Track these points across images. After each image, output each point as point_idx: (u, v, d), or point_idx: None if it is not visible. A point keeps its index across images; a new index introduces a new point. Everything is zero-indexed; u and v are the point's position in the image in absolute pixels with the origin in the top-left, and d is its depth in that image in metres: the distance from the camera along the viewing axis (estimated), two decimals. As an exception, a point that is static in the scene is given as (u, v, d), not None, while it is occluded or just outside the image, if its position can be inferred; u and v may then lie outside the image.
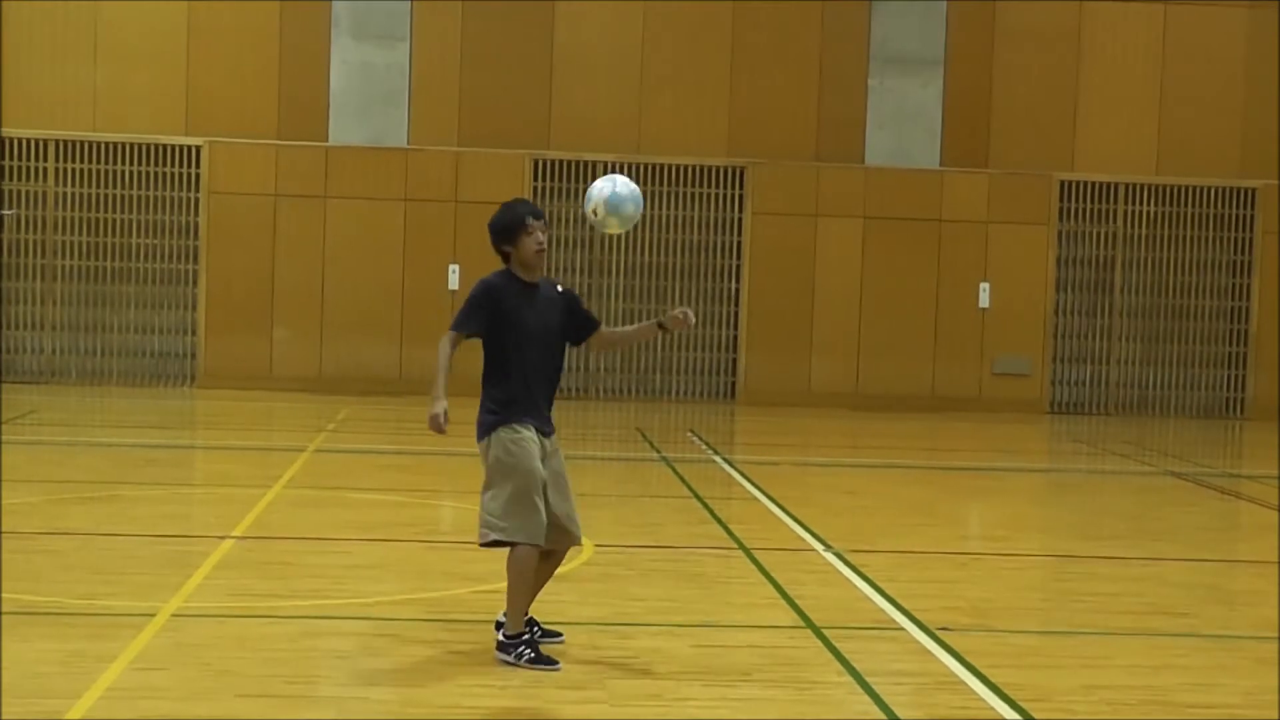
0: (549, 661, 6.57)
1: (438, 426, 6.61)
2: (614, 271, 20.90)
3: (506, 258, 6.93)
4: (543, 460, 6.71)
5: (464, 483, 12.87)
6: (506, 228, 6.91)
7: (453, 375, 6.69)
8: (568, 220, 20.66)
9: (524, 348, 6.75)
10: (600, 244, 20.70)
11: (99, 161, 20.20)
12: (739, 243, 20.91)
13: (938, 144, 21.02)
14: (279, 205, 20.27)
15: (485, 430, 6.73)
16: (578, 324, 7.01)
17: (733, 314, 21.02)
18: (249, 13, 20.29)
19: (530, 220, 6.88)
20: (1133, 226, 21.47)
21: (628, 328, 7.43)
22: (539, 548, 6.66)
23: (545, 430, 6.79)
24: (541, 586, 6.91)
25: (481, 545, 6.74)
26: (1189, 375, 21.68)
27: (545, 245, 6.90)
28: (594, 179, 20.35)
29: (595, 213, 6.81)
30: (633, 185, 6.84)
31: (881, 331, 20.89)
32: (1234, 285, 21.59)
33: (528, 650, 6.60)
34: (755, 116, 20.82)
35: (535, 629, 6.83)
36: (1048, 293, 21.21)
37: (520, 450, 6.65)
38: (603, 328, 7.13)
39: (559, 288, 7.03)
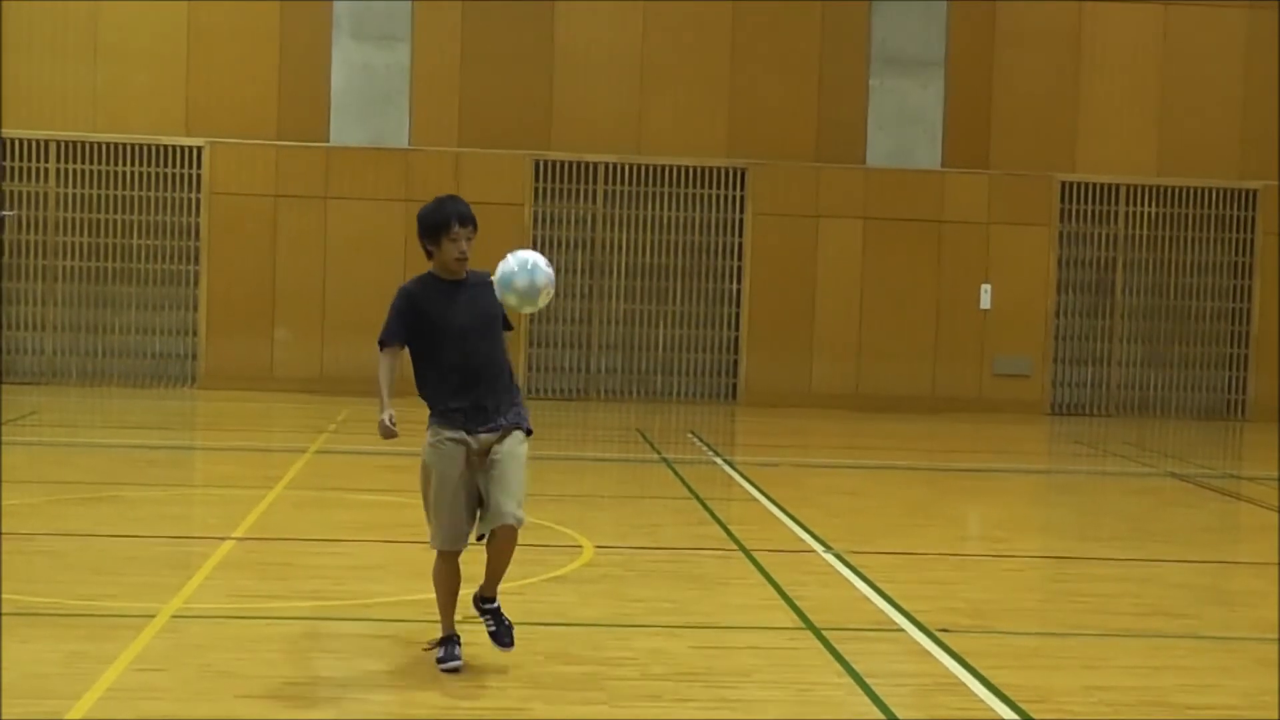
0: (450, 659, 6.61)
1: (387, 432, 6.63)
2: (614, 273, 20.89)
3: (430, 255, 6.87)
4: (472, 459, 6.60)
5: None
6: (432, 227, 6.85)
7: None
8: (567, 221, 20.66)
9: (445, 346, 6.63)
10: (600, 245, 20.70)
11: (99, 162, 20.20)
12: (739, 244, 20.90)
13: (938, 145, 21.02)
14: (279, 206, 20.27)
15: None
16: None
17: (733, 315, 21.02)
18: (249, 13, 20.29)
19: (455, 226, 6.78)
20: (1133, 228, 21.47)
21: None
22: (456, 553, 6.67)
23: (479, 427, 6.62)
24: (495, 570, 6.74)
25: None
26: (1190, 376, 21.68)
27: (466, 255, 6.77)
28: (595, 179, 20.60)
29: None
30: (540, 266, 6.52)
31: (882, 332, 20.89)
32: (1235, 287, 21.59)
33: (441, 648, 6.66)
34: (755, 117, 20.83)
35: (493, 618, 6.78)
36: (1048, 294, 21.21)
37: (435, 456, 6.67)
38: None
39: (491, 277, 6.68)
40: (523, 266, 6.45)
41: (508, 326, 6.87)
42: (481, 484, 6.60)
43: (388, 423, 6.61)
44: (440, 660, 6.61)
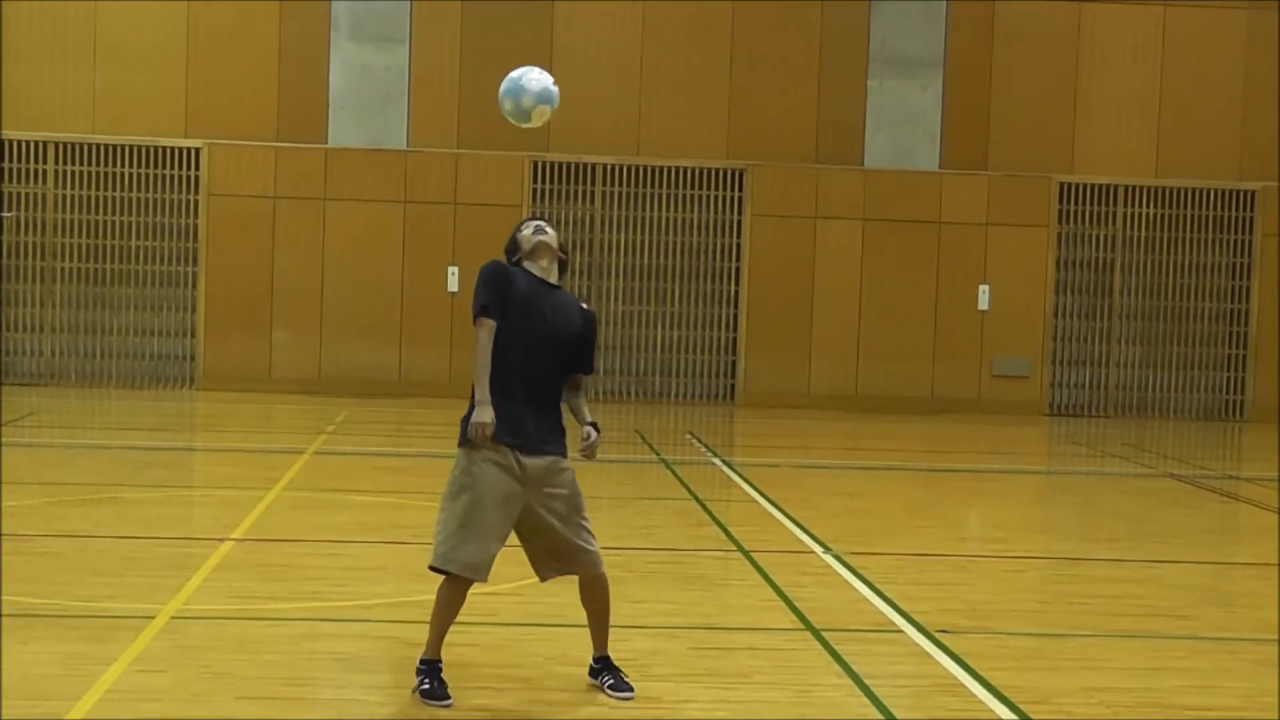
0: (439, 697, 6.05)
1: (483, 436, 5.98)
2: (613, 274, 20.89)
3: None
4: (523, 484, 6.09)
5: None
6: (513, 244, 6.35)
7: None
8: (566, 222, 20.65)
9: (527, 348, 6.09)
10: (599, 247, 20.70)
11: (98, 164, 20.20)
12: (738, 245, 20.91)
13: (937, 146, 21.03)
14: (278, 207, 20.27)
15: (462, 437, 6.13)
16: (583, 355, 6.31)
17: (732, 316, 21.03)
18: (248, 14, 20.30)
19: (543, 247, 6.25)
20: (1132, 229, 21.47)
21: (582, 407, 6.43)
22: (471, 581, 6.13)
23: (530, 448, 6.11)
24: (598, 622, 6.38)
25: (429, 567, 6.20)
26: (1188, 377, 21.68)
27: (538, 250, 6.25)
28: (594, 180, 20.60)
29: (505, 109, 6.26)
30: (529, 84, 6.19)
31: (881, 334, 20.90)
32: (1233, 288, 21.59)
33: (425, 681, 6.11)
34: (754, 118, 20.83)
35: (604, 672, 6.34)
36: (1047, 295, 21.22)
37: (479, 473, 6.05)
38: (582, 382, 6.38)
39: (584, 305, 6.40)
40: (511, 86, 6.19)
41: (588, 369, 6.37)
42: (540, 521, 6.17)
43: (489, 429, 5.96)
44: (425, 693, 6.07)
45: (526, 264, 6.22)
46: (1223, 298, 21.63)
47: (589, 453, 6.21)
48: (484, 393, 5.99)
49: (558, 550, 6.24)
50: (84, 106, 20.16)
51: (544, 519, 6.17)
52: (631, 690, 6.26)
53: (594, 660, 6.42)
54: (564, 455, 6.22)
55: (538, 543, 6.26)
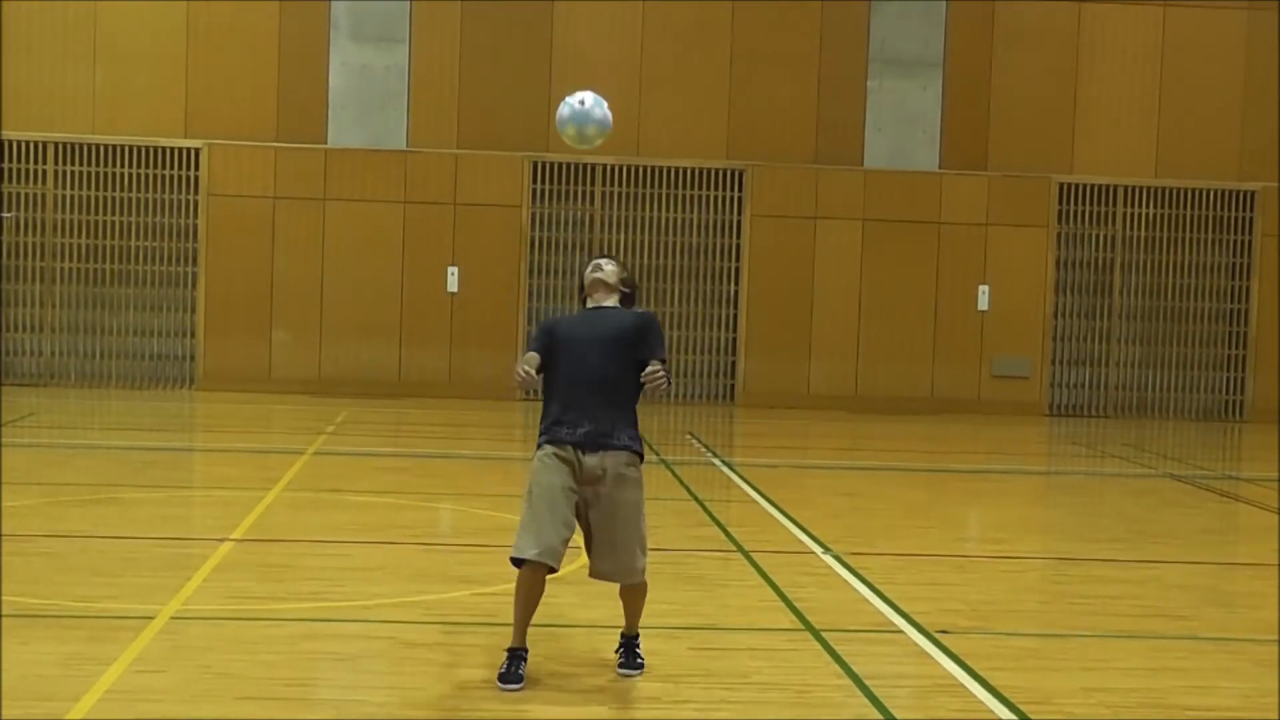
0: (507, 679, 6.35)
1: (520, 376, 6.49)
2: (613, 274, 20.86)
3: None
4: (579, 479, 6.47)
5: (463, 485, 12.88)
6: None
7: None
8: (565, 223, 20.66)
9: (577, 360, 6.58)
10: (598, 247, 20.68)
11: (98, 164, 20.20)
12: (738, 245, 20.91)
13: (936, 146, 21.03)
14: (278, 207, 20.27)
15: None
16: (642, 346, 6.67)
17: (731, 316, 21.03)
18: (248, 14, 20.29)
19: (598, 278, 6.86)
20: (1132, 229, 21.48)
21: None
22: (544, 566, 6.35)
23: (590, 446, 6.49)
24: (628, 611, 6.75)
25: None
26: (1188, 378, 21.68)
27: (590, 286, 6.88)
28: (593, 181, 20.59)
29: (568, 134, 6.96)
30: (594, 110, 6.99)
31: (880, 334, 20.90)
32: (1233, 288, 21.60)
33: (503, 665, 6.43)
34: (754, 119, 20.83)
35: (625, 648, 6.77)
36: (1046, 295, 21.22)
37: (539, 466, 6.48)
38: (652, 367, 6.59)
39: (638, 310, 6.90)
40: (573, 116, 6.90)
41: (655, 354, 6.60)
42: (592, 520, 6.52)
43: (521, 372, 6.49)
44: (500, 677, 6.37)
45: (589, 301, 6.85)
46: (1222, 298, 21.63)
47: (649, 381, 6.40)
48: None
49: (597, 549, 6.54)
50: (84, 106, 20.16)
51: (590, 517, 6.52)
52: (637, 670, 6.63)
53: (621, 635, 6.82)
54: (629, 452, 6.53)
55: (588, 538, 6.58)
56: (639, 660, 6.70)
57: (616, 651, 6.79)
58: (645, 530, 6.59)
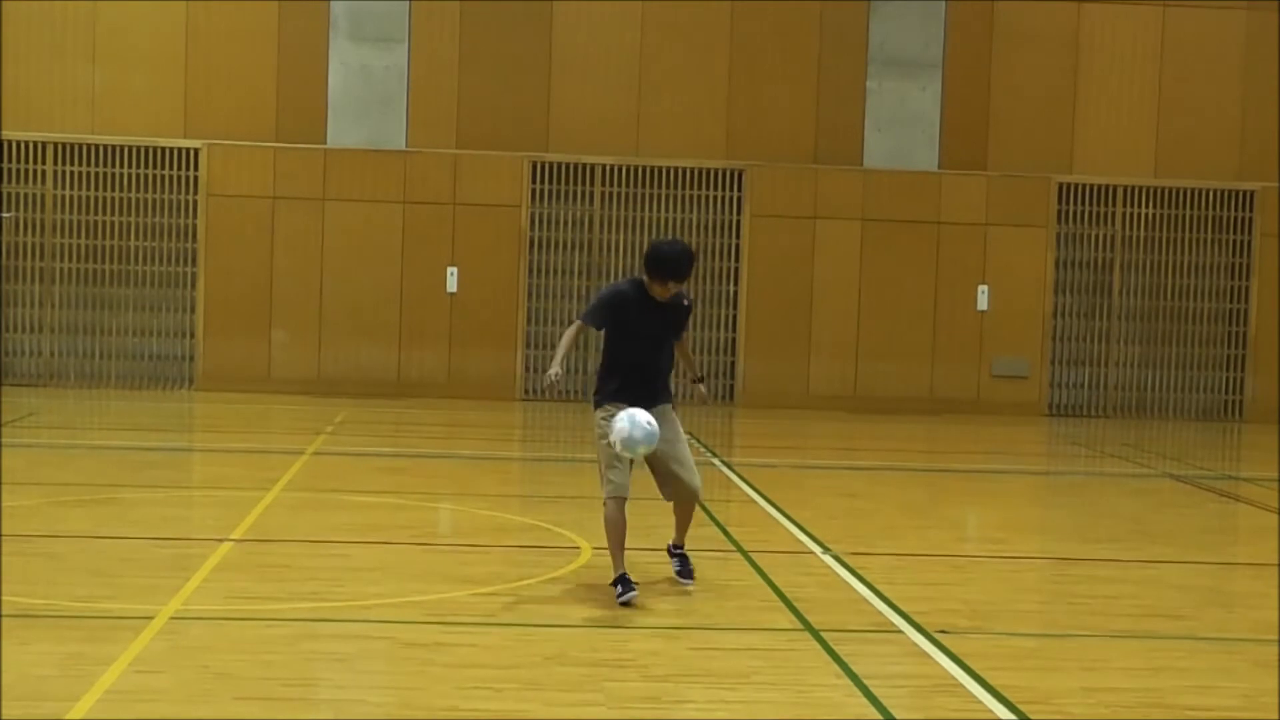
0: (628, 588, 7.95)
1: (549, 384, 8.12)
2: (612, 275, 20.86)
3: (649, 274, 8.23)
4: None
5: (462, 485, 12.89)
6: (658, 263, 8.10)
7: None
8: (565, 223, 20.65)
9: (635, 348, 8.25)
10: (598, 247, 20.69)
11: (97, 164, 20.20)
12: (737, 245, 20.91)
13: (936, 146, 21.03)
14: (277, 208, 20.27)
15: (595, 400, 8.39)
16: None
17: (731, 317, 21.02)
18: (247, 15, 20.29)
19: (670, 282, 8.10)
20: (1131, 229, 21.48)
21: (692, 363, 9.04)
22: (621, 500, 8.01)
23: (644, 404, 8.07)
24: (681, 522, 8.58)
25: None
26: (1187, 377, 21.68)
27: (665, 299, 8.19)
28: (593, 181, 20.59)
29: (615, 445, 7.98)
30: (647, 426, 7.89)
31: (880, 334, 20.90)
32: (1232, 288, 21.60)
33: (619, 589, 7.94)
34: (754, 119, 20.83)
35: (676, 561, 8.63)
36: (1046, 295, 21.22)
37: (604, 426, 8.05)
38: (684, 339, 8.63)
39: (685, 300, 8.38)
40: (627, 442, 7.90)
41: (677, 336, 8.48)
42: (659, 457, 8.17)
43: (551, 377, 8.07)
44: (618, 596, 7.89)
45: (653, 290, 8.19)
46: (1222, 298, 21.63)
47: (701, 399, 9.09)
48: (556, 358, 8.16)
49: (662, 475, 8.32)
50: (83, 107, 20.16)
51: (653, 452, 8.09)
52: (691, 579, 8.51)
53: (672, 545, 8.68)
54: (668, 403, 8.41)
55: (653, 468, 8.33)
56: (691, 569, 8.57)
57: (671, 558, 8.60)
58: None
